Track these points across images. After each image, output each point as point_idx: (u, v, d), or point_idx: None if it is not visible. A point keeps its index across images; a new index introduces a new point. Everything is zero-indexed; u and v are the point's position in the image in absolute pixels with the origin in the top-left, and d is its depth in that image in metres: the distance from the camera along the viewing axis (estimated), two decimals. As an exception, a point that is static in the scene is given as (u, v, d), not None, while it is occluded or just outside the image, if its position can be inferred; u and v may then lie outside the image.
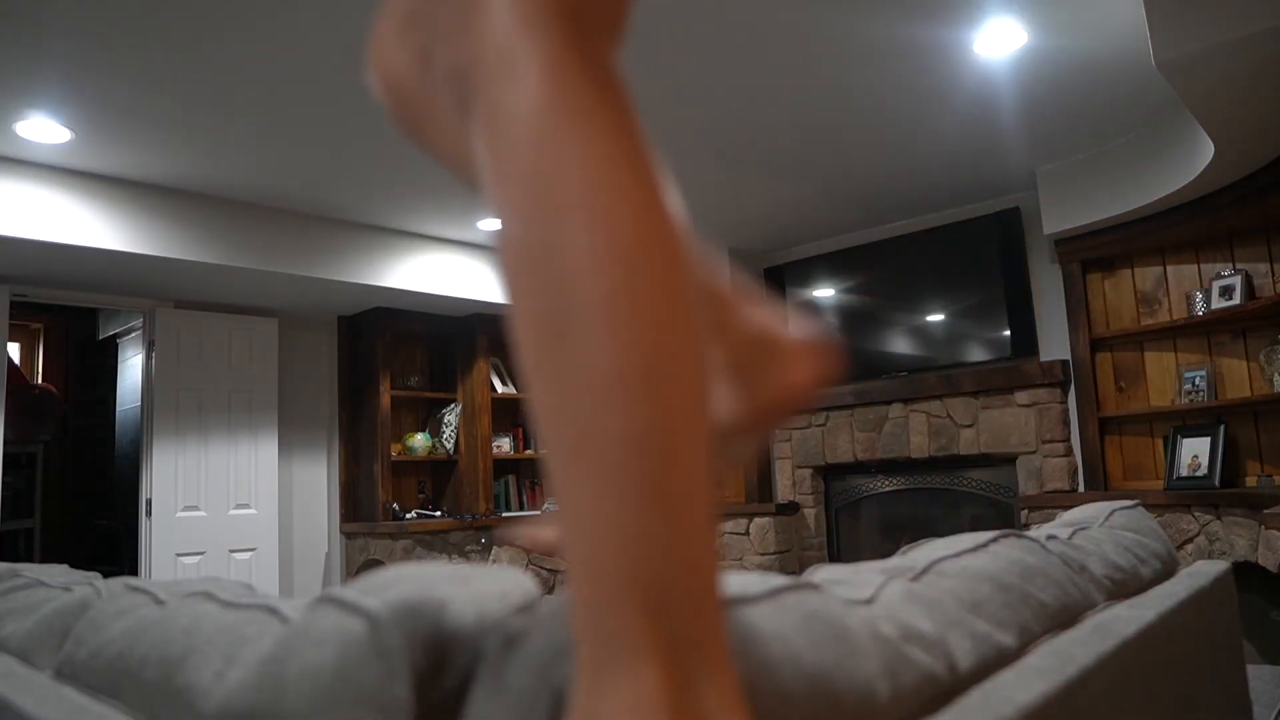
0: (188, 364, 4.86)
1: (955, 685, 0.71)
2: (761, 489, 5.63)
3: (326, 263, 4.68)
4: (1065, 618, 0.95)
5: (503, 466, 5.87)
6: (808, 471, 5.48)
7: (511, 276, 0.45)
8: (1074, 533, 1.21)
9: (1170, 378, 4.31)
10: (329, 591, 0.60)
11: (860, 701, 0.59)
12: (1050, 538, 1.13)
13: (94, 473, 6.64)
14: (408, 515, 5.35)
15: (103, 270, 4.26)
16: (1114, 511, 1.36)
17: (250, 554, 4.94)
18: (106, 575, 1.26)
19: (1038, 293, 4.78)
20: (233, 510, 4.91)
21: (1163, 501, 3.96)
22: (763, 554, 5.28)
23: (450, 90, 0.54)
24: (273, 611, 0.82)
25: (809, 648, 0.57)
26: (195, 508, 4.78)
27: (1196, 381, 4.16)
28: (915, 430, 5.03)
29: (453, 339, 5.79)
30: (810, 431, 5.46)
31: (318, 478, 5.45)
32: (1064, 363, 4.57)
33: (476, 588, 0.58)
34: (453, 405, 5.71)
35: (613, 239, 0.42)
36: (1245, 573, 3.60)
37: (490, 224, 4.91)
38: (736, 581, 0.60)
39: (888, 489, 5.29)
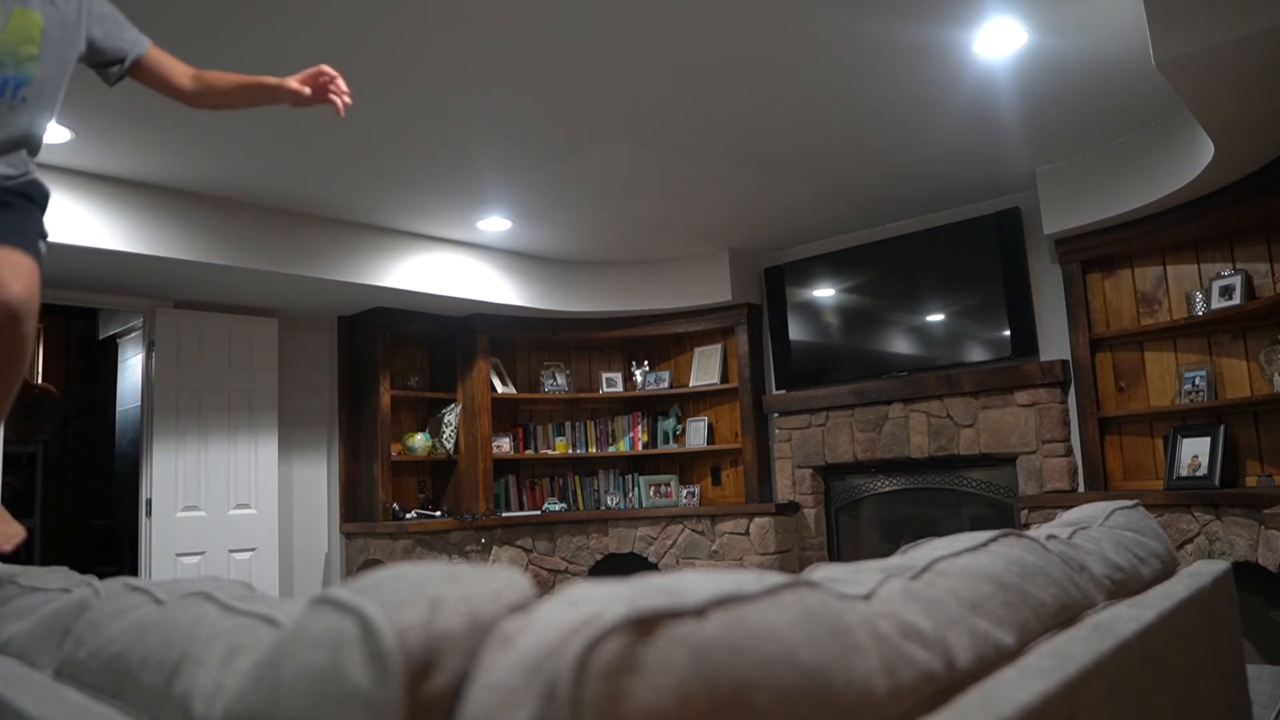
0: (188, 364, 4.85)
1: (954, 683, 0.71)
2: (761, 489, 5.63)
3: (326, 263, 4.68)
4: (1065, 617, 0.95)
5: (503, 466, 5.87)
6: (808, 471, 5.48)
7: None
8: (1074, 532, 1.21)
9: (1170, 378, 4.31)
10: (324, 592, 0.60)
11: (858, 699, 0.59)
12: (1050, 537, 1.13)
13: (94, 473, 6.64)
14: (408, 515, 5.34)
15: (103, 270, 4.26)
16: (1114, 511, 1.36)
17: (250, 554, 4.94)
18: (106, 575, 1.25)
19: (1038, 293, 4.78)
20: (233, 510, 4.91)
21: (1163, 501, 3.96)
22: (763, 554, 5.28)
23: None
24: (268, 618, 0.81)
25: (806, 644, 0.57)
26: (195, 508, 4.78)
27: (1196, 381, 4.16)
28: (915, 430, 5.02)
29: (453, 339, 5.79)
30: (810, 431, 5.46)
31: (318, 478, 5.45)
32: (1064, 363, 4.57)
33: (469, 587, 0.58)
34: (453, 405, 5.71)
35: None
36: (1245, 573, 3.60)
37: (490, 224, 4.91)
38: (733, 579, 0.60)
39: (888, 489, 5.29)
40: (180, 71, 1.90)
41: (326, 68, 1.95)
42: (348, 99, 2.00)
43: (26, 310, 1.53)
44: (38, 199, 1.71)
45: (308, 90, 1.92)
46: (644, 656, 0.48)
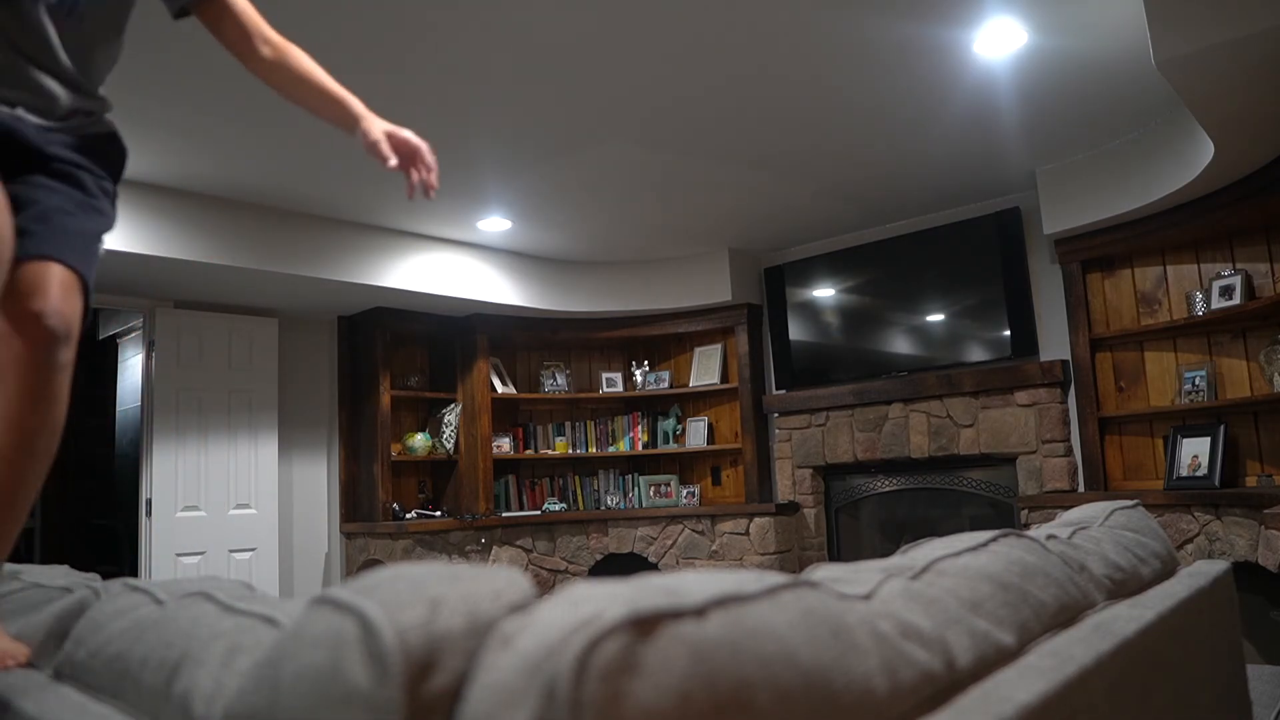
0: (188, 364, 4.85)
1: (954, 683, 0.71)
2: (761, 489, 5.63)
3: (326, 263, 4.68)
4: (1065, 617, 0.95)
5: (503, 466, 5.87)
6: (808, 471, 5.48)
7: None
8: (1074, 532, 1.21)
9: (1170, 378, 4.31)
10: (324, 592, 0.60)
11: (858, 699, 0.59)
12: (1050, 537, 1.13)
13: (94, 473, 6.64)
14: (408, 515, 5.34)
15: (103, 270, 4.24)
16: (1114, 511, 1.36)
17: (250, 554, 4.94)
18: (107, 575, 1.25)
19: (1038, 293, 4.77)
20: (233, 510, 4.91)
21: (1163, 501, 3.96)
22: (763, 554, 5.28)
23: None
24: (268, 618, 0.81)
25: (806, 644, 0.57)
26: (195, 508, 4.78)
27: (1196, 381, 4.16)
28: (915, 430, 5.02)
29: (453, 339, 5.79)
30: (810, 431, 5.46)
31: (318, 478, 5.45)
32: (1064, 363, 4.57)
33: (469, 587, 0.58)
34: (453, 405, 5.71)
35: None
36: (1245, 573, 3.59)
37: (490, 224, 4.91)
38: (733, 579, 0.60)
39: (888, 489, 5.29)
40: (259, 28, 1.59)
41: (420, 144, 1.60)
42: (433, 182, 1.61)
43: (60, 342, 1.17)
44: (113, 160, 1.38)
45: (386, 150, 1.55)
46: (644, 656, 0.48)
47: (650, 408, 6.16)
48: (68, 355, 1.17)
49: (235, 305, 5.14)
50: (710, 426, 5.94)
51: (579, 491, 6.10)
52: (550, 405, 6.18)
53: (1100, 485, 4.40)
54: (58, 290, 1.17)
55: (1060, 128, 3.94)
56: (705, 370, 5.99)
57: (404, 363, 5.77)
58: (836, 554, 5.48)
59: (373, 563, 5.18)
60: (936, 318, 5.09)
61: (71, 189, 1.29)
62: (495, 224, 4.92)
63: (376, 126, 1.58)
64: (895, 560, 0.88)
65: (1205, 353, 4.21)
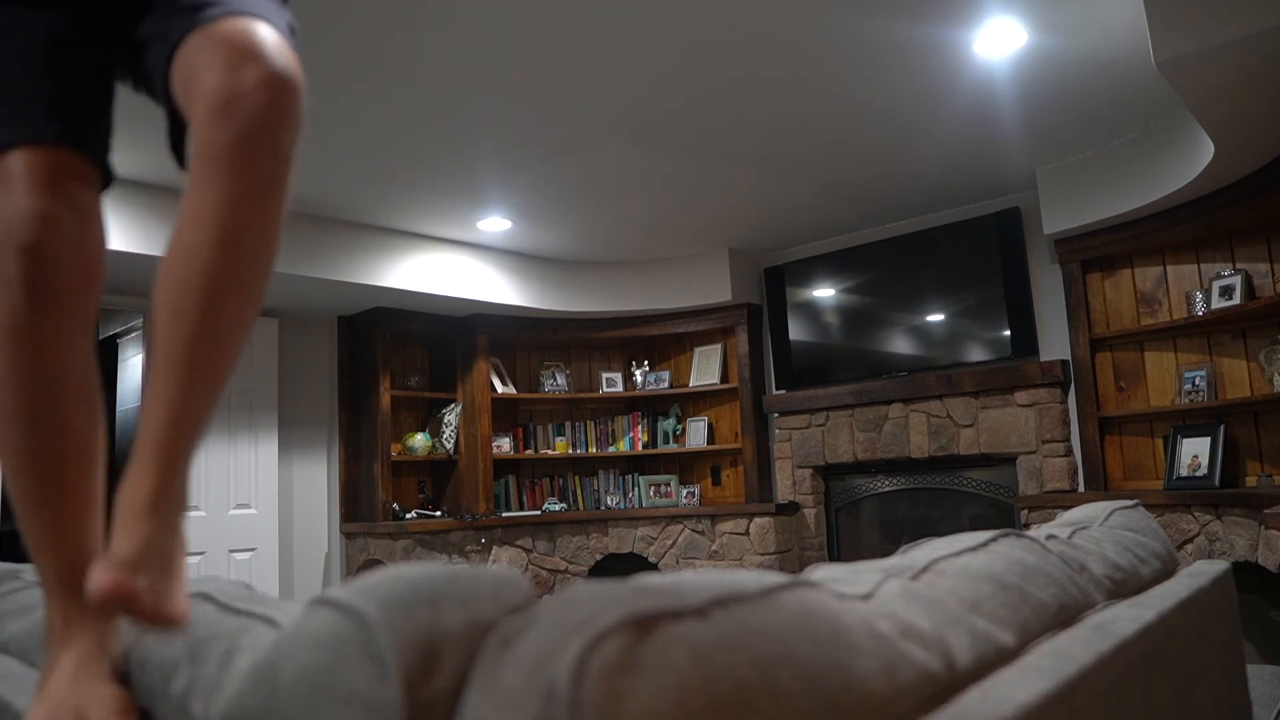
0: (187, 364, 4.85)
1: (954, 683, 0.71)
2: (762, 489, 5.63)
3: (326, 263, 4.68)
4: (1065, 617, 0.95)
5: (503, 466, 5.86)
6: (808, 471, 5.48)
7: None
8: (1074, 532, 1.20)
9: (1170, 378, 4.31)
10: (323, 593, 0.60)
11: (858, 699, 0.59)
12: (1050, 537, 1.13)
13: (94, 473, 6.63)
14: (408, 515, 5.34)
15: (102, 270, 4.26)
16: (1114, 511, 1.36)
17: (250, 554, 4.94)
18: (104, 575, 1.25)
19: (1038, 293, 4.77)
20: (233, 510, 4.91)
21: (1163, 501, 3.95)
22: (763, 554, 5.28)
23: None
24: (268, 619, 0.81)
25: (805, 645, 0.57)
26: (195, 508, 4.78)
27: (1196, 381, 4.15)
28: (915, 430, 5.02)
29: (453, 339, 5.79)
30: (810, 431, 5.46)
31: (318, 478, 5.45)
32: (1064, 363, 4.57)
33: (469, 588, 0.58)
34: (453, 405, 5.71)
35: None
36: (1245, 573, 3.60)
37: (490, 224, 4.91)
38: (732, 580, 0.60)
39: (888, 489, 5.29)
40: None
41: None
42: None
43: (296, 97, 0.83)
44: None
45: None
46: (643, 657, 0.48)
47: (650, 408, 6.16)
48: (293, 143, 0.83)
49: (235, 305, 5.13)
50: (710, 426, 5.94)
51: (579, 491, 6.10)
52: (550, 405, 6.18)
53: (1100, 485, 4.40)
54: (272, 46, 0.81)
55: (1060, 128, 3.94)
56: (705, 370, 5.99)
57: (404, 363, 5.77)
58: (836, 554, 5.47)
59: (373, 563, 5.18)
60: (936, 318, 5.09)
61: None
62: (495, 224, 4.92)
63: None
64: (895, 560, 0.88)
65: (1205, 353, 4.21)
